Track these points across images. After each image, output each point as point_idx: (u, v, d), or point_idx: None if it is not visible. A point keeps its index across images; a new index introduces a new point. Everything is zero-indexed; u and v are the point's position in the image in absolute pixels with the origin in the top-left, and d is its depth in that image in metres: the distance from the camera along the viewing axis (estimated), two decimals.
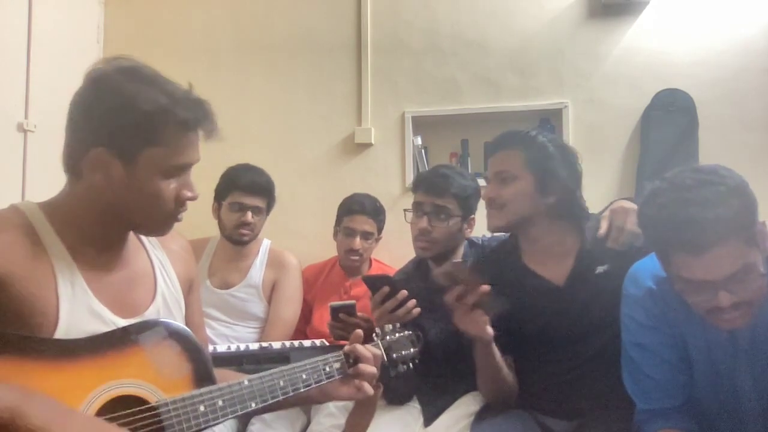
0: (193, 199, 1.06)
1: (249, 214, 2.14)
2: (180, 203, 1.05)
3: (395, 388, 1.66)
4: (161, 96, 0.98)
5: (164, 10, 2.90)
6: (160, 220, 1.05)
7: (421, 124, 2.67)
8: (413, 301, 1.61)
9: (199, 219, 2.19)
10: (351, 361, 1.19)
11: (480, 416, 1.58)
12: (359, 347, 1.20)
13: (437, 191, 1.80)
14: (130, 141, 0.98)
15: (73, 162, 1.01)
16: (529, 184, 1.51)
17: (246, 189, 2.15)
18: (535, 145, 1.53)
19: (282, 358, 1.82)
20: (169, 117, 0.98)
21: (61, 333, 0.94)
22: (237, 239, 2.17)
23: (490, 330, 1.37)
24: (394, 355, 1.28)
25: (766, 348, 1.17)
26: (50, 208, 1.02)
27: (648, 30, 2.46)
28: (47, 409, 0.77)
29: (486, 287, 1.31)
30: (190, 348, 1.01)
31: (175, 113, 0.98)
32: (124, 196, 1.00)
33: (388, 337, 1.30)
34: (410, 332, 1.36)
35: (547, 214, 1.53)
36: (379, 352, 1.25)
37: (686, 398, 1.28)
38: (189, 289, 1.21)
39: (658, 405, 1.28)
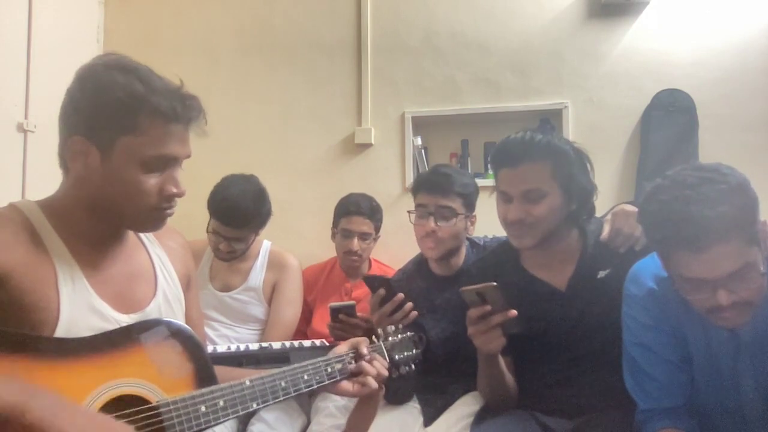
0: (177, 195, 1.04)
1: (224, 244, 2.10)
2: (164, 198, 1.02)
3: (396, 389, 1.66)
4: (138, 84, 0.98)
5: (164, 10, 2.91)
6: (144, 213, 1.03)
7: (421, 124, 2.67)
8: (410, 305, 1.61)
9: (198, 220, 2.19)
10: (353, 354, 1.18)
11: (480, 416, 1.57)
12: (363, 348, 1.19)
13: (441, 191, 1.79)
14: (104, 128, 0.98)
15: (61, 155, 1.03)
16: (558, 197, 1.46)
17: (221, 221, 2.07)
18: (559, 154, 1.46)
19: (282, 358, 1.82)
20: (144, 105, 0.97)
21: (62, 329, 0.94)
22: (219, 258, 2.16)
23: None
24: (397, 357, 1.28)
25: (767, 347, 1.17)
26: (48, 206, 1.02)
27: (648, 30, 2.46)
28: (51, 403, 0.77)
29: (514, 312, 1.29)
30: (192, 347, 1.01)
31: (150, 101, 0.97)
32: (104, 187, 1.00)
33: (390, 339, 1.30)
34: (413, 333, 1.36)
35: (566, 221, 1.51)
36: (385, 362, 1.23)
37: (687, 397, 1.28)
38: (187, 285, 1.21)
39: (659, 404, 1.28)
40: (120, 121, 0.97)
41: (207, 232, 2.15)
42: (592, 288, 1.47)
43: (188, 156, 1.05)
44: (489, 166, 1.62)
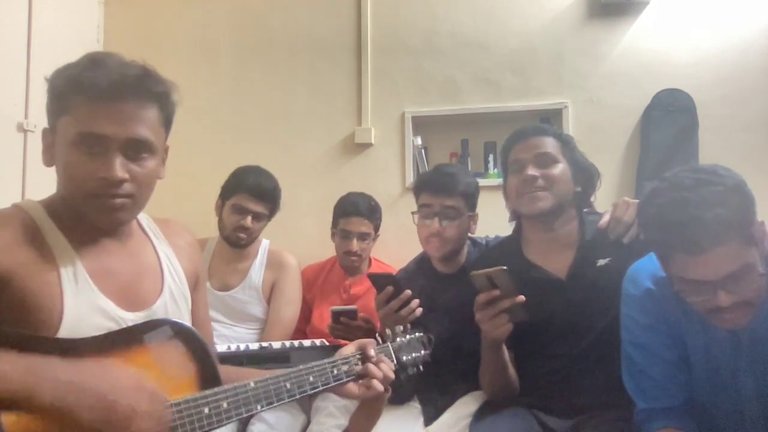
0: (109, 179, 0.96)
1: (249, 219, 2.12)
2: (100, 183, 0.96)
3: (398, 388, 1.66)
4: (80, 66, 0.97)
5: (164, 10, 2.90)
6: (86, 201, 0.97)
7: (421, 124, 2.67)
8: (416, 301, 1.62)
9: (199, 219, 2.19)
10: (360, 356, 1.16)
11: (479, 414, 1.57)
12: (369, 350, 1.17)
13: (445, 191, 1.79)
14: (51, 112, 0.99)
15: None
16: (567, 170, 1.56)
17: (251, 193, 2.12)
18: (564, 137, 1.61)
19: (282, 357, 1.82)
20: (76, 84, 0.96)
21: (65, 328, 0.93)
22: (234, 241, 2.16)
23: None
24: (404, 358, 1.25)
25: (767, 347, 1.18)
26: (50, 205, 1.02)
27: (648, 30, 2.46)
28: (58, 385, 0.76)
29: (521, 297, 1.31)
30: (196, 348, 0.99)
31: (80, 80, 0.95)
32: (59, 175, 0.99)
33: (398, 339, 1.27)
34: (421, 334, 1.34)
35: (571, 202, 1.57)
36: (392, 364, 1.21)
37: (686, 397, 1.28)
38: (195, 284, 1.19)
39: (658, 404, 1.28)
40: (58, 102, 0.98)
41: (224, 208, 2.16)
42: (592, 276, 1.49)
43: (133, 138, 0.98)
44: (499, 154, 1.70)
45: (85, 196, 0.97)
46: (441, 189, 1.80)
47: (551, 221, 1.56)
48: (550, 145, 1.56)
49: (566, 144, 1.59)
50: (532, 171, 1.53)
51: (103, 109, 0.96)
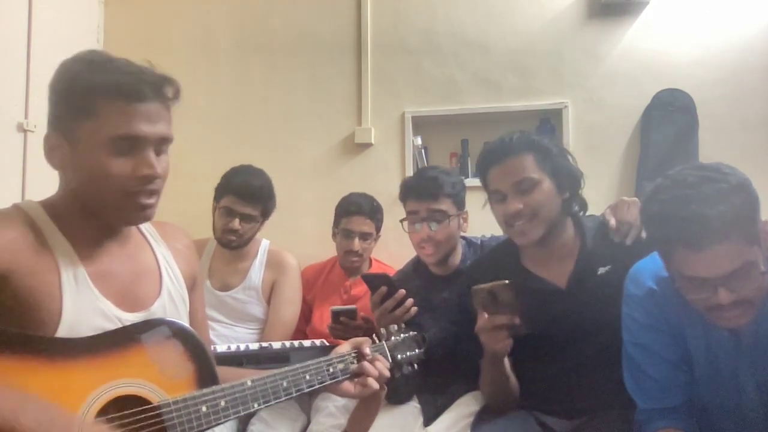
0: (150, 176, 0.99)
1: (236, 221, 2.10)
2: (139, 181, 0.99)
3: (396, 388, 1.66)
4: (94, 69, 0.98)
5: (164, 10, 2.91)
6: (118, 201, 0.99)
7: (421, 124, 2.67)
8: (411, 300, 1.62)
9: (199, 219, 2.19)
10: (355, 353, 1.17)
11: (480, 416, 1.57)
12: (365, 349, 1.18)
13: (430, 195, 1.79)
14: (66, 119, 0.99)
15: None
16: (550, 185, 1.48)
17: (237, 195, 2.10)
18: (539, 146, 1.50)
19: (282, 358, 1.82)
20: (99, 88, 0.97)
21: (64, 328, 0.94)
22: (225, 244, 2.15)
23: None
24: (399, 356, 1.27)
25: None
26: (50, 206, 1.03)
27: (648, 30, 2.46)
28: (42, 419, 0.76)
29: (517, 320, 1.30)
30: (194, 347, 1.00)
31: (104, 83, 0.96)
32: (80, 179, 0.99)
33: (393, 338, 1.29)
34: (415, 333, 1.35)
35: (562, 211, 1.52)
36: (387, 362, 1.22)
37: (687, 397, 1.28)
38: (192, 286, 1.20)
39: (659, 404, 1.28)
40: (79, 107, 0.98)
41: (216, 211, 2.15)
42: (593, 284, 1.47)
43: (163, 137, 1.01)
44: (477, 175, 1.62)
45: (121, 196, 0.99)
46: (425, 193, 1.79)
47: (544, 240, 1.51)
48: (528, 165, 1.47)
49: (545, 155, 1.49)
50: (514, 204, 1.46)
51: (135, 111, 0.98)
